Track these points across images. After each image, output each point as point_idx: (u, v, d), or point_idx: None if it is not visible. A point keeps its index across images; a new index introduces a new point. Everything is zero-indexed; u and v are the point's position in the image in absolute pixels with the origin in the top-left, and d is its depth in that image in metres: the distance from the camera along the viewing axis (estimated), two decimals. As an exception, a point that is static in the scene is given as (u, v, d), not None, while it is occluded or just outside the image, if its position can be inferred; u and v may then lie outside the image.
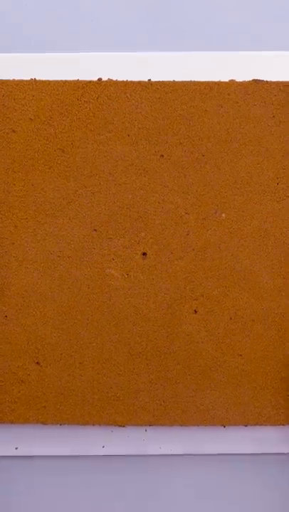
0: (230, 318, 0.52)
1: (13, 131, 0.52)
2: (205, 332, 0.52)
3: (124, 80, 0.52)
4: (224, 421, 0.53)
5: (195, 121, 0.52)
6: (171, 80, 0.52)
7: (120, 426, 0.52)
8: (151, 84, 0.52)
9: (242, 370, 0.53)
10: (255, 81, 0.50)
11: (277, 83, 0.52)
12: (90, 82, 0.52)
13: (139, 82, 0.52)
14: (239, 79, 0.52)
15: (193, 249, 0.52)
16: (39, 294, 0.52)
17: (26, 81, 0.52)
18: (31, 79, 0.53)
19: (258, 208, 0.52)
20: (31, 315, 0.52)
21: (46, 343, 0.52)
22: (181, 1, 0.56)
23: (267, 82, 0.52)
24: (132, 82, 0.52)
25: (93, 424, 0.52)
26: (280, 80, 0.52)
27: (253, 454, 0.56)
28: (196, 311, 0.52)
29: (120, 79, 0.53)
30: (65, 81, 0.52)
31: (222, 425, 0.54)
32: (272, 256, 0.52)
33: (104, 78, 0.53)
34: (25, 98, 0.52)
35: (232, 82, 0.52)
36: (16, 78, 0.53)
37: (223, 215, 0.52)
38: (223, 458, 0.55)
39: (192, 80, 0.52)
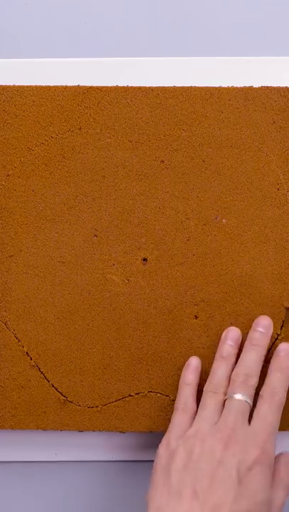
0: (231, 324, 0.52)
1: (14, 136, 0.52)
2: (206, 337, 0.52)
3: (125, 85, 0.52)
4: (225, 426, 0.53)
5: (195, 127, 0.52)
6: (172, 85, 0.52)
7: (121, 432, 0.52)
8: (152, 89, 0.52)
9: (242, 376, 0.53)
10: None
11: (278, 88, 0.52)
12: (90, 87, 0.52)
13: (140, 88, 0.52)
14: (239, 84, 0.52)
15: (194, 255, 0.52)
16: (39, 300, 0.52)
17: (27, 86, 0.52)
18: (32, 84, 0.53)
19: (259, 213, 0.52)
20: (32, 320, 0.52)
21: (47, 349, 0.52)
22: (182, 6, 0.56)
23: (267, 87, 0.52)
24: (132, 87, 0.52)
25: (94, 430, 0.52)
26: (281, 85, 0.52)
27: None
28: (196, 317, 0.52)
29: (121, 84, 0.53)
30: (66, 86, 0.52)
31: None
32: (272, 261, 0.52)
33: (105, 84, 0.53)
34: (26, 103, 0.52)
35: (232, 87, 0.52)
36: (17, 83, 0.53)
37: (224, 220, 0.52)
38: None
39: (193, 85, 0.52)
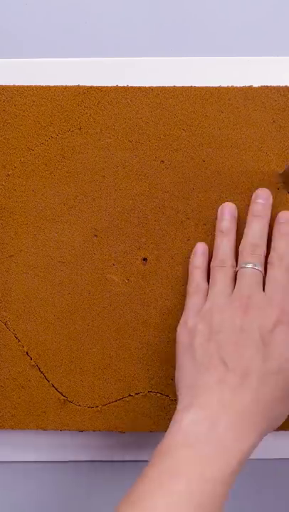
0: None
1: (14, 136, 0.52)
2: (205, 337, 0.52)
3: (125, 85, 0.52)
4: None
5: (195, 127, 0.52)
6: (172, 85, 0.52)
7: (121, 432, 0.52)
8: (152, 89, 0.52)
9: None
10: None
11: (278, 88, 0.52)
12: (90, 87, 0.52)
13: (140, 88, 0.52)
14: (239, 84, 0.52)
15: (194, 255, 0.52)
16: (39, 300, 0.52)
17: (27, 86, 0.53)
18: (32, 84, 0.53)
19: (259, 213, 0.52)
20: (32, 320, 0.52)
21: (47, 349, 0.52)
22: (182, 6, 0.56)
23: (267, 87, 0.52)
24: (132, 87, 0.52)
25: (94, 430, 0.52)
26: (280, 84, 0.52)
27: (256, 460, 0.55)
28: (196, 317, 0.52)
29: (121, 84, 0.53)
30: (66, 86, 0.52)
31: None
32: (272, 261, 0.52)
33: (105, 84, 0.53)
34: (26, 103, 0.52)
35: (232, 87, 0.52)
36: (17, 83, 0.53)
37: (224, 220, 0.52)
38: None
39: (192, 85, 0.52)
